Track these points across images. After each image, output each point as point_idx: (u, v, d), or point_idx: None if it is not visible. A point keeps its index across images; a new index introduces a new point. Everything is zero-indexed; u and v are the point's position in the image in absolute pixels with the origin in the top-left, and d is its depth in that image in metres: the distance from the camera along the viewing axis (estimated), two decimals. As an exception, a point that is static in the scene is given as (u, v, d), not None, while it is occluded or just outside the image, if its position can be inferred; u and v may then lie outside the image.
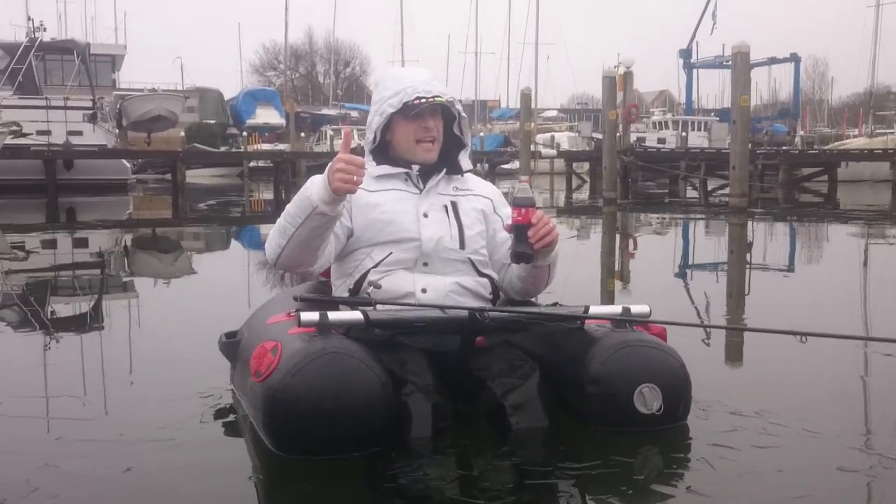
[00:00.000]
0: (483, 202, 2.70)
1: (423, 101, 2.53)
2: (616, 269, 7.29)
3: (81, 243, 9.35)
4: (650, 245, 9.76)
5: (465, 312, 2.34)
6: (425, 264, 2.55)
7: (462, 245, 2.59)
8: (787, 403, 2.75)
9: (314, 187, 2.31)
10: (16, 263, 7.46)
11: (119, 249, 8.79)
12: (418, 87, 2.56)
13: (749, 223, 11.72)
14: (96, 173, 20.87)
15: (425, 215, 2.58)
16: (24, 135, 18.54)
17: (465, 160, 2.74)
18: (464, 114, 2.73)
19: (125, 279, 6.46)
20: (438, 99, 2.56)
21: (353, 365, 2.12)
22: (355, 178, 2.26)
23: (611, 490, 2.01)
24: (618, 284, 6.12)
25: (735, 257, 8.13)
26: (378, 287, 2.48)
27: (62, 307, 5.05)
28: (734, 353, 3.80)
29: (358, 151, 2.44)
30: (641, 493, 2.02)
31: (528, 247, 2.41)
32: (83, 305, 5.16)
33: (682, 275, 6.93)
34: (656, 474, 2.14)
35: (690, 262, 8.00)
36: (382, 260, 2.53)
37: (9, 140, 17.85)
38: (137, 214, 15.36)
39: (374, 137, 2.65)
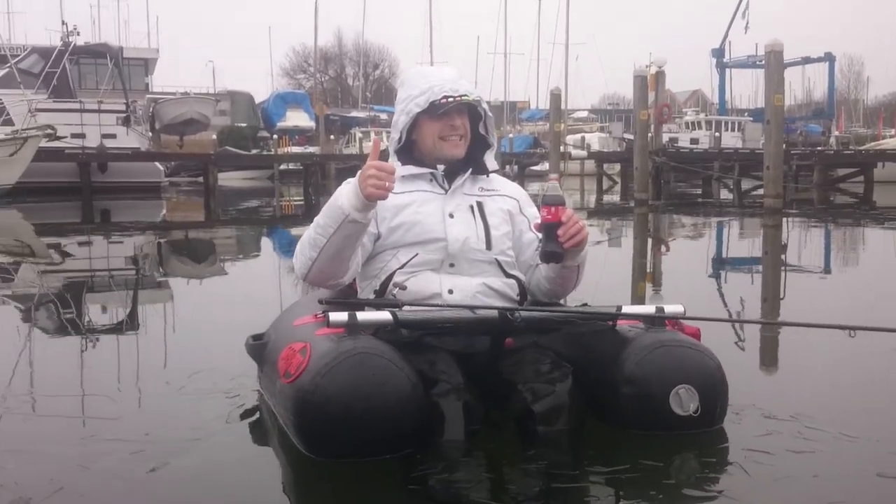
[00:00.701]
0: (509, 202, 2.66)
1: (450, 100, 2.50)
2: (648, 270, 7.21)
3: (115, 245, 9.44)
4: (682, 247, 9.65)
5: (495, 312, 2.30)
6: (452, 265, 2.52)
7: (489, 246, 2.55)
8: (823, 407, 2.68)
9: (344, 196, 2.30)
10: (51, 265, 7.53)
11: (151, 252, 8.86)
12: (445, 86, 2.53)
13: (784, 224, 11.55)
14: (130, 176, 21.15)
15: (451, 216, 2.55)
16: (59, 138, 18.78)
17: (490, 160, 2.70)
18: (490, 113, 2.70)
19: (155, 281, 6.50)
20: (466, 98, 2.53)
21: (384, 365, 2.09)
22: (387, 184, 2.25)
23: (641, 495, 1.96)
24: (650, 286, 6.05)
25: (770, 258, 8.01)
26: (403, 288, 2.45)
27: (94, 308, 5.09)
28: (769, 356, 3.73)
29: (385, 157, 2.42)
30: (673, 498, 1.97)
31: (557, 246, 2.36)
32: (115, 307, 5.20)
33: (715, 276, 6.84)
34: (688, 479, 2.09)
35: (724, 264, 7.89)
36: (408, 261, 2.50)
37: (44, 143, 18.10)
38: (170, 217, 15.49)
39: (400, 137, 2.62)
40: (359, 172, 2.29)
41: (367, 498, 1.99)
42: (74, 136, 20.49)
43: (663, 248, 9.28)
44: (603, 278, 6.20)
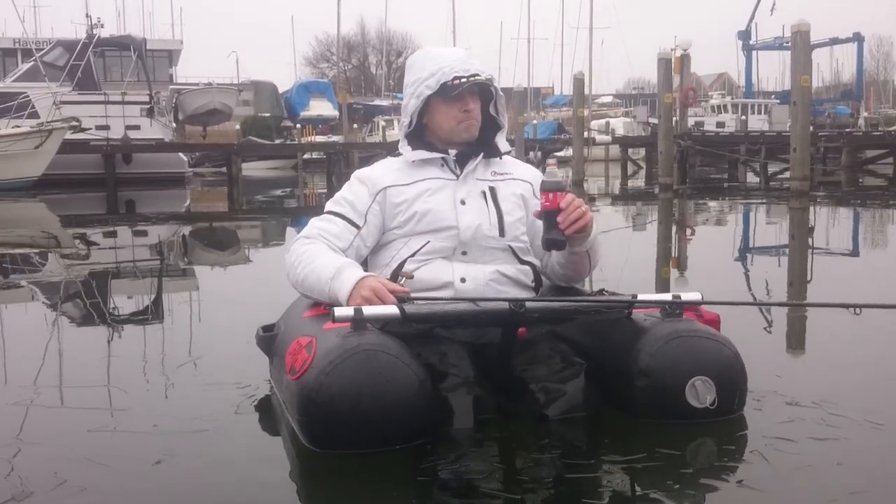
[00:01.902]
0: (523, 186, 2.59)
1: (462, 80, 2.44)
2: (671, 256, 7.11)
3: (133, 236, 9.48)
4: (707, 231, 9.52)
5: (506, 304, 2.24)
6: (464, 253, 2.46)
7: (501, 232, 2.49)
8: (848, 393, 2.59)
9: (336, 286, 2.29)
10: (74, 255, 7.57)
11: (173, 242, 8.88)
12: (456, 66, 2.46)
13: (811, 207, 11.37)
14: (154, 167, 21.27)
15: (462, 202, 2.48)
16: (84, 130, 18.93)
17: (502, 142, 2.64)
18: (501, 93, 2.63)
19: (174, 271, 6.50)
20: (478, 78, 2.46)
21: (390, 362, 2.03)
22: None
23: (657, 484, 1.90)
24: (672, 272, 5.96)
25: (796, 242, 7.88)
26: (411, 277, 2.39)
27: (109, 299, 5.07)
28: (793, 341, 3.64)
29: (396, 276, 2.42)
30: (690, 487, 1.90)
31: (558, 233, 2.29)
32: (131, 297, 5.20)
33: (740, 261, 6.72)
34: (706, 468, 2.02)
35: (749, 248, 7.76)
36: (419, 249, 2.45)
37: (69, 135, 18.24)
38: (194, 207, 15.55)
39: (411, 121, 2.55)
40: (366, 287, 2.25)
41: (378, 490, 1.93)
42: (99, 127, 20.64)
43: (687, 233, 9.15)
44: (626, 264, 6.13)
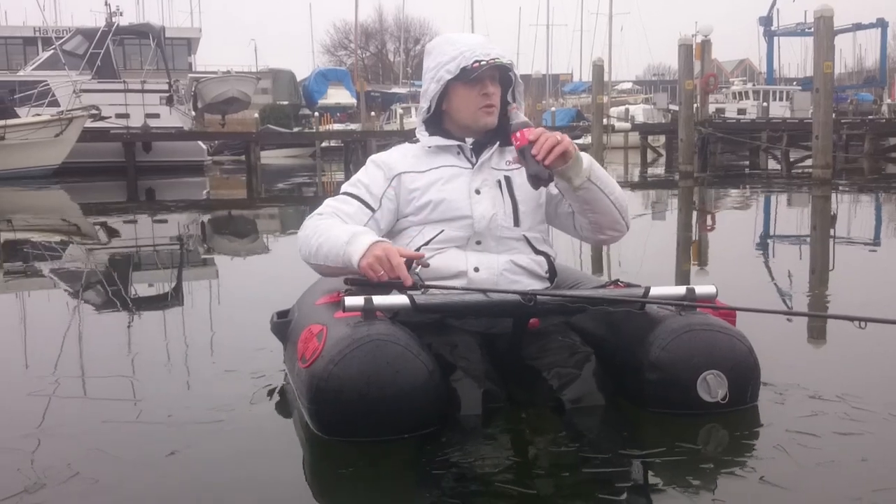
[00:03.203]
0: None
1: (481, 63, 2.40)
2: (690, 246, 7.03)
3: (153, 224, 9.51)
4: (727, 219, 9.43)
5: (516, 296, 2.20)
6: (478, 242, 2.43)
7: (516, 222, 2.46)
8: (873, 386, 2.54)
9: (351, 249, 2.25)
10: (92, 244, 7.60)
11: (188, 230, 8.90)
12: (476, 50, 2.43)
13: (833, 195, 11.23)
14: (174, 155, 21.35)
15: (477, 192, 2.45)
16: (104, 118, 19.03)
17: (519, 129, 2.59)
18: (520, 80, 2.59)
19: (192, 259, 6.51)
20: (498, 60, 2.42)
21: (399, 352, 2.01)
22: (381, 274, 2.20)
23: (674, 480, 1.86)
24: (688, 263, 5.89)
25: (818, 230, 7.78)
26: (426, 266, 2.36)
27: (124, 288, 5.08)
28: (816, 332, 3.57)
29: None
30: (708, 482, 1.86)
31: (538, 166, 2.20)
32: (145, 287, 5.21)
33: (761, 249, 6.65)
34: (726, 463, 1.98)
35: (770, 236, 7.67)
36: (433, 238, 2.42)
37: (89, 123, 18.33)
38: (214, 195, 15.60)
39: (430, 107, 2.52)
40: (380, 247, 2.21)
41: (390, 481, 1.92)
42: (118, 116, 20.73)
43: (707, 222, 9.07)
44: (645, 253, 6.07)
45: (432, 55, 2.53)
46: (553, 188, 2.50)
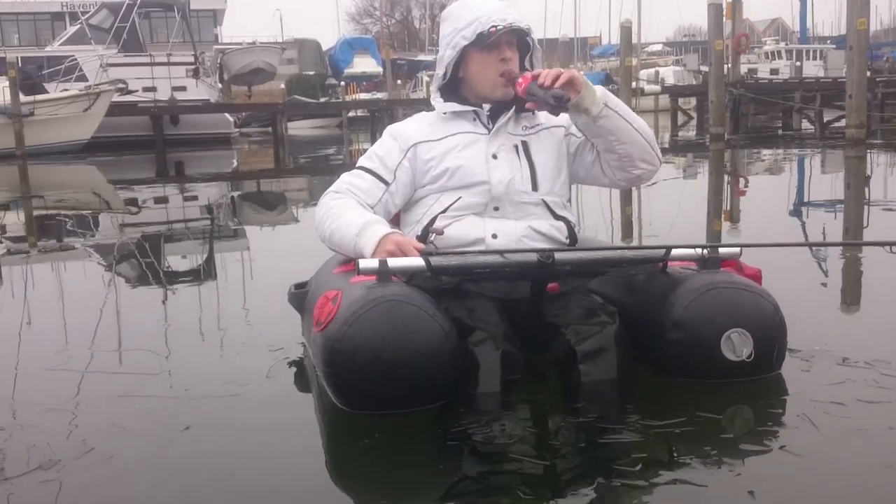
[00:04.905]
0: (556, 133, 2.50)
1: (498, 28, 2.34)
2: (720, 208, 6.93)
3: (183, 199, 9.56)
4: (758, 182, 9.27)
5: (534, 257, 2.16)
6: (496, 209, 2.38)
7: (535, 186, 2.41)
8: (904, 352, 2.46)
9: (362, 242, 2.27)
10: (122, 218, 7.65)
11: (217, 203, 8.94)
12: (493, 15, 2.37)
13: (867, 155, 10.99)
14: (201, 128, 21.43)
15: (494, 157, 2.41)
16: (130, 92, 19.11)
17: (536, 94, 2.53)
18: (538, 45, 2.53)
19: (215, 232, 6.52)
20: (515, 25, 2.36)
21: (414, 313, 1.98)
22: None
23: (694, 450, 1.81)
24: (718, 225, 5.79)
25: (852, 190, 7.62)
26: (441, 234, 2.33)
27: (148, 262, 5.10)
28: (847, 297, 3.49)
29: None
30: (729, 453, 1.81)
31: (550, 92, 2.19)
32: (169, 260, 5.23)
33: (793, 210, 6.52)
34: (747, 432, 1.94)
35: (802, 200, 7.53)
36: (451, 205, 2.38)
37: (116, 98, 18.43)
38: (242, 167, 15.64)
39: (445, 73, 2.47)
40: (391, 241, 2.23)
41: (407, 452, 1.90)
42: (146, 89, 20.81)
43: (738, 184, 8.92)
44: (675, 217, 5.99)
45: (448, 21, 2.48)
46: (575, 133, 2.45)
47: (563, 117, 2.48)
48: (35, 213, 8.12)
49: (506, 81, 2.39)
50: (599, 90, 2.31)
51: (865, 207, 6.43)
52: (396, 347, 1.94)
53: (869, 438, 1.87)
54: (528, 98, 2.26)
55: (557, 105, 2.19)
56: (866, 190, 7.65)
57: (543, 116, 2.50)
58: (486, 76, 2.42)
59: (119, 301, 3.79)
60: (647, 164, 2.44)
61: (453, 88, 2.50)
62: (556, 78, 2.21)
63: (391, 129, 2.56)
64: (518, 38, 2.44)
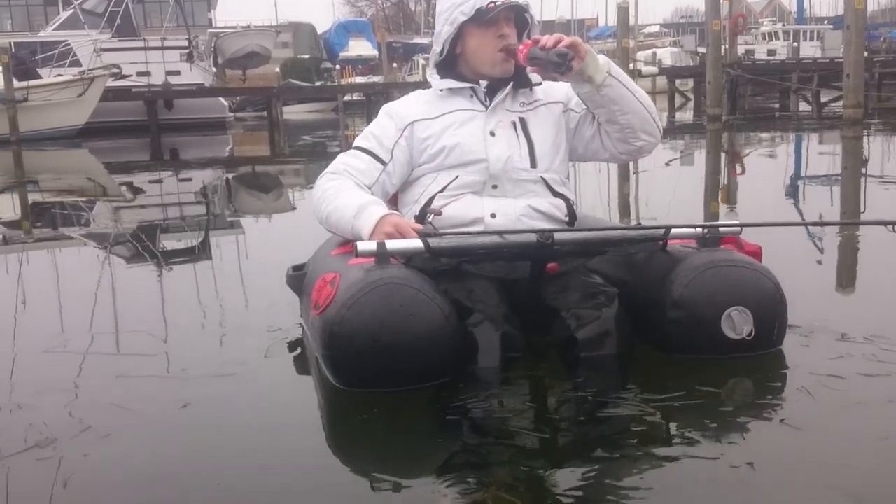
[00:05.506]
0: (554, 109, 2.47)
1: (496, 4, 2.32)
2: (718, 189, 6.91)
3: (178, 182, 9.52)
4: (755, 163, 9.25)
5: (533, 237, 2.14)
6: (494, 187, 2.37)
7: (533, 163, 2.39)
8: (903, 327, 2.45)
9: (359, 224, 2.24)
10: (117, 202, 7.62)
11: (212, 187, 8.90)
12: None
13: (865, 135, 10.97)
14: (195, 112, 21.34)
15: (492, 134, 2.39)
16: (125, 77, 19.01)
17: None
18: (536, 21, 2.51)
19: (210, 216, 6.50)
20: (514, 1, 2.34)
21: (413, 295, 1.97)
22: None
23: (694, 423, 1.81)
24: (716, 205, 5.78)
25: (849, 171, 7.60)
26: (439, 214, 2.31)
27: (144, 245, 5.07)
28: (844, 273, 3.50)
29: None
30: (728, 426, 1.81)
31: (552, 54, 2.16)
32: (165, 243, 5.20)
33: (789, 191, 6.51)
34: (746, 406, 1.93)
35: (799, 181, 7.51)
36: (449, 184, 2.37)
37: (110, 82, 18.32)
38: (237, 151, 15.58)
39: (443, 50, 2.45)
40: (389, 223, 2.20)
41: (406, 428, 1.89)
42: (140, 74, 20.71)
43: (736, 166, 8.90)
44: (672, 198, 5.97)
45: None
46: (574, 109, 2.44)
47: (562, 92, 2.47)
48: (30, 198, 8.08)
49: (505, 57, 2.37)
50: (602, 58, 2.29)
51: (863, 186, 6.42)
52: (395, 331, 1.93)
53: (867, 411, 1.87)
54: (531, 63, 2.23)
55: (562, 62, 2.16)
56: (863, 169, 7.64)
57: (542, 92, 2.48)
58: (485, 52, 2.39)
59: (115, 284, 3.77)
60: (648, 136, 2.42)
61: (450, 65, 2.48)
62: (558, 42, 2.19)
63: (387, 108, 2.54)
64: (516, 15, 2.41)
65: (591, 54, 2.26)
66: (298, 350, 2.48)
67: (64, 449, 1.79)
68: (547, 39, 2.21)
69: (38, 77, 18.75)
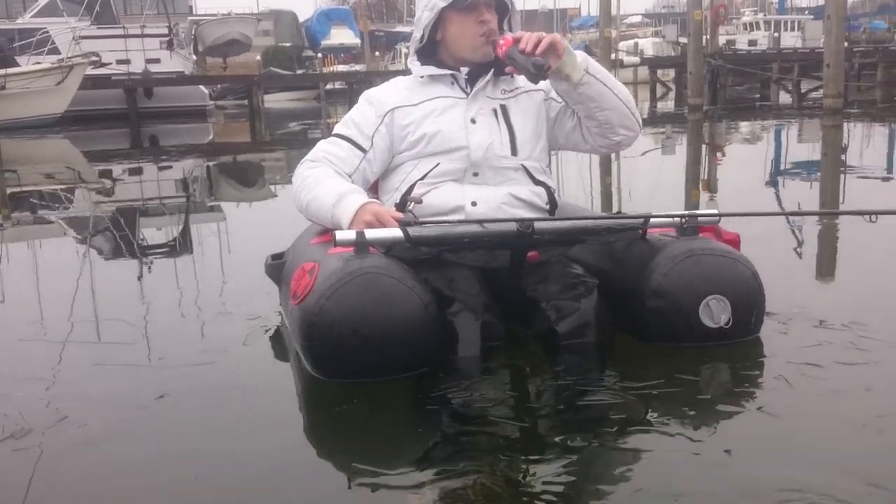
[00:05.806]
0: (535, 97, 2.47)
1: None
2: (698, 179, 6.94)
3: (158, 171, 9.44)
4: (735, 153, 9.29)
5: (514, 226, 2.14)
6: (475, 174, 2.36)
7: (514, 151, 2.38)
8: (879, 315, 2.47)
9: (339, 212, 2.23)
10: (96, 191, 7.55)
11: (192, 176, 8.83)
12: None
13: (844, 125, 11.04)
14: (176, 100, 21.11)
15: (473, 121, 2.38)
16: (104, 65, 18.81)
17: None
18: (516, 7, 2.50)
19: (190, 204, 6.45)
20: None
21: (392, 285, 1.96)
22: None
23: (672, 411, 1.82)
24: (699, 194, 5.80)
25: (828, 161, 7.65)
26: (419, 202, 2.30)
27: (123, 233, 5.03)
28: (823, 262, 3.52)
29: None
30: (706, 412, 1.82)
31: (531, 58, 2.17)
32: (144, 231, 5.16)
33: (769, 181, 6.54)
34: (724, 394, 1.94)
35: (779, 168, 7.55)
36: (429, 171, 2.36)
37: (89, 71, 18.12)
38: (218, 139, 15.47)
39: (423, 36, 2.43)
40: (368, 212, 2.20)
41: (386, 418, 1.89)
42: (119, 62, 20.48)
43: (716, 155, 8.93)
44: (653, 188, 5.99)
45: None
46: (555, 98, 2.43)
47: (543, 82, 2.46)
48: (8, 187, 7.99)
49: (486, 40, 2.36)
50: (580, 56, 2.29)
51: (842, 176, 6.46)
52: (375, 321, 1.92)
53: (845, 399, 1.88)
54: (509, 62, 2.24)
55: (537, 73, 2.17)
56: (843, 156, 7.69)
57: (523, 80, 2.47)
58: (465, 38, 2.38)
59: (94, 272, 3.74)
60: (627, 131, 2.43)
61: (431, 52, 2.47)
62: (538, 43, 2.18)
63: (367, 95, 2.52)
64: (496, 0, 2.40)
65: (570, 52, 2.26)
66: (277, 338, 2.47)
67: (40, 439, 1.77)
68: (527, 40, 2.20)
69: (16, 65, 18.49)
